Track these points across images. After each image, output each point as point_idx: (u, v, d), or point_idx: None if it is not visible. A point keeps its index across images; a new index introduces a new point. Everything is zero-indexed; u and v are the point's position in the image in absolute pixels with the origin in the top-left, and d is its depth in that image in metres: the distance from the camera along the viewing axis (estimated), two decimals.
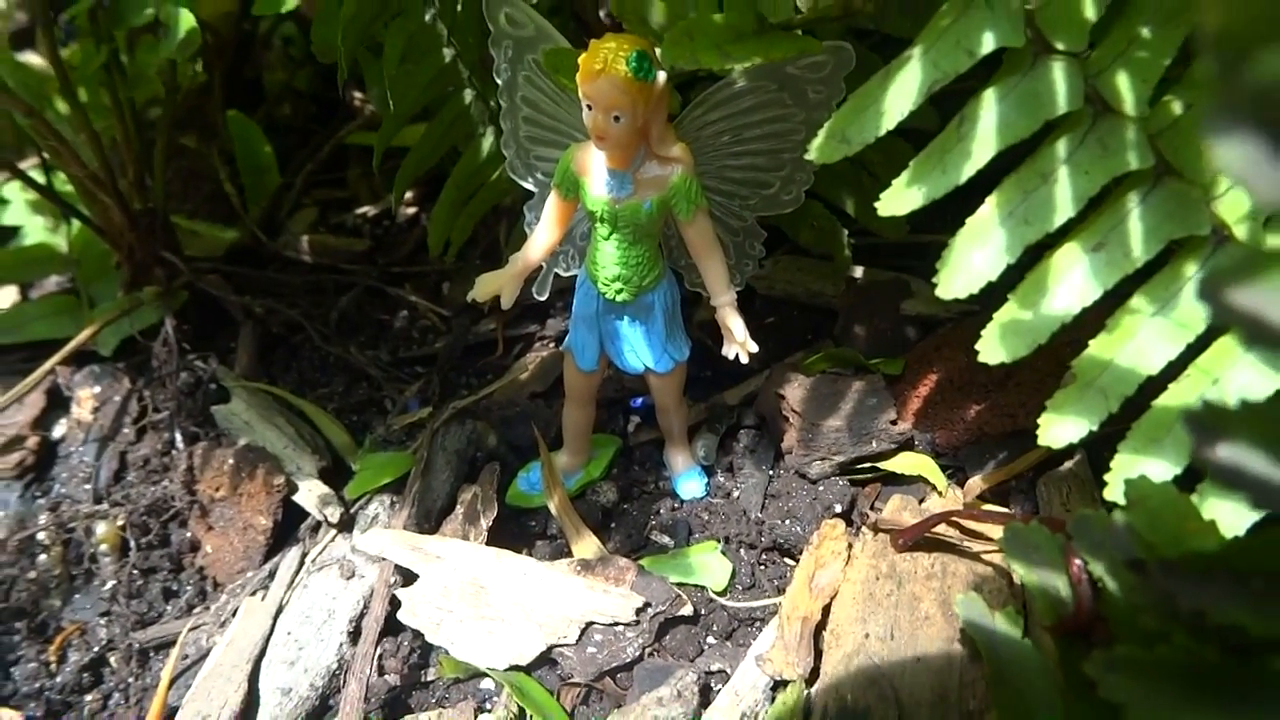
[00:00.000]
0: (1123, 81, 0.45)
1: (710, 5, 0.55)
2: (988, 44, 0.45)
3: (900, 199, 0.47)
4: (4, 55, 0.69)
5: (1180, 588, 0.31)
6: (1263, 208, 0.33)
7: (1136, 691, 0.34)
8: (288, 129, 1.00)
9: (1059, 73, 0.45)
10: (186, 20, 0.73)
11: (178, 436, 0.75)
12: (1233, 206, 0.44)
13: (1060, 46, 0.45)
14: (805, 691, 0.54)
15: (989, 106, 0.46)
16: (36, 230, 0.93)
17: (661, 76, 0.51)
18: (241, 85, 1.00)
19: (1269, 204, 0.19)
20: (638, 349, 0.62)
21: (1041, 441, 0.47)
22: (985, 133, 0.45)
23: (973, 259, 0.45)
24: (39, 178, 0.80)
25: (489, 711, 0.57)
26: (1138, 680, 0.34)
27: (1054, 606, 0.45)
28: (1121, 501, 0.42)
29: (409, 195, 0.93)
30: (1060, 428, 0.46)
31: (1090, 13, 0.44)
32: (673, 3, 0.54)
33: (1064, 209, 0.45)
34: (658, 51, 0.51)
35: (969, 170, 0.45)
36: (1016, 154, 0.47)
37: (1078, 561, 0.44)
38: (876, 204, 0.47)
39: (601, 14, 0.79)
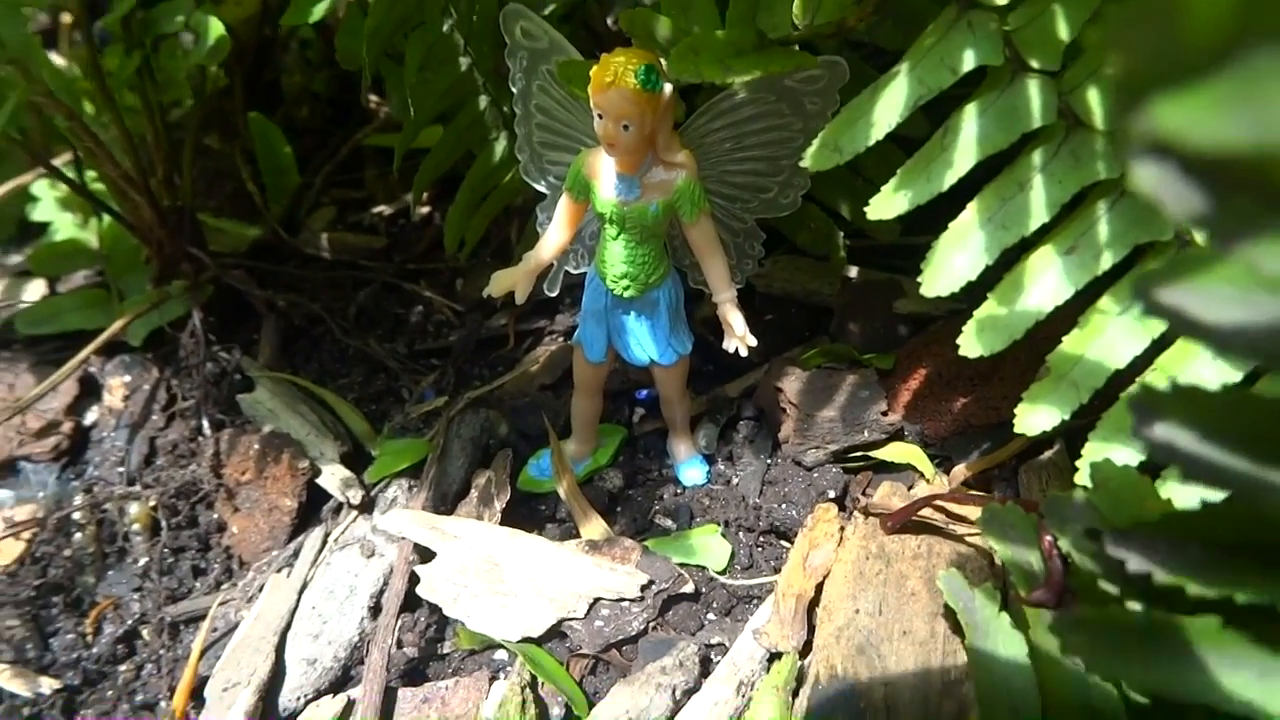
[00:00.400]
0: (1093, 98, 0.48)
1: (713, 22, 0.59)
2: (969, 62, 0.48)
3: (888, 204, 0.51)
4: (43, 60, 0.72)
5: (1129, 554, 0.34)
6: (1176, 221, 0.37)
7: (1094, 649, 0.38)
8: (305, 130, 1.03)
9: (1034, 90, 0.49)
10: (216, 28, 0.77)
11: (205, 423, 0.78)
12: None
13: (1036, 65, 0.49)
14: (799, 662, 0.58)
15: (970, 119, 0.49)
16: (66, 226, 0.97)
17: (668, 88, 0.55)
18: (261, 87, 1.04)
19: (1181, 217, 0.23)
20: (643, 342, 0.65)
21: (1018, 429, 0.51)
22: (966, 144, 0.49)
23: (954, 261, 0.49)
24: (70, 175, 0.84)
25: (503, 680, 0.61)
26: (1095, 639, 0.38)
27: (1028, 580, 0.48)
28: (1089, 484, 0.46)
29: (424, 195, 0.97)
30: (1035, 416, 0.50)
31: (1064, 34, 0.48)
32: (677, 19, 0.58)
33: (1039, 215, 0.49)
34: (664, 64, 0.55)
35: (951, 178, 0.49)
36: (996, 164, 0.50)
37: (1048, 538, 0.48)
38: (866, 208, 0.51)
39: (610, 22, 0.83)
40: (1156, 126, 0.19)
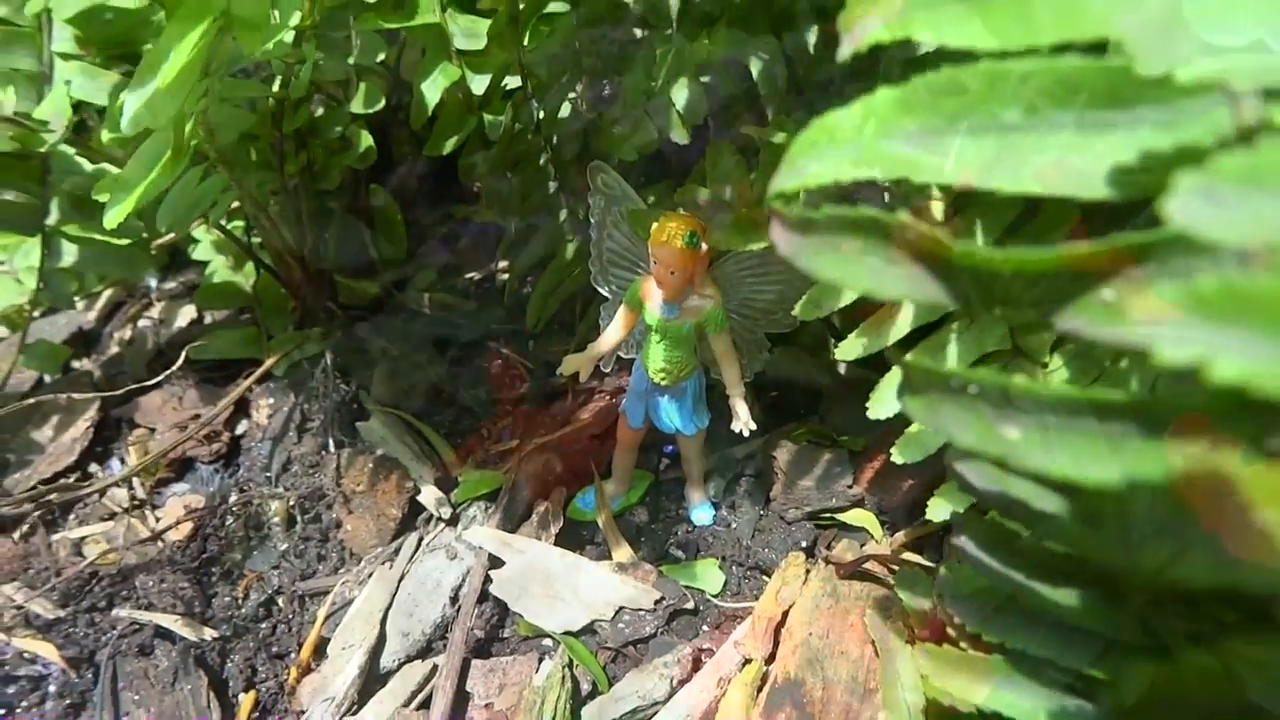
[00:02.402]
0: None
1: (745, 194, 0.81)
2: None
3: (850, 348, 0.72)
4: (247, 163, 0.95)
5: (960, 611, 0.56)
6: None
7: (940, 672, 0.59)
8: (414, 201, 1.27)
9: None
10: (365, 140, 1.00)
11: (330, 442, 1.01)
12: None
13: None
14: (764, 668, 0.78)
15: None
16: (220, 269, 1.20)
17: (704, 246, 0.77)
18: (379, 161, 1.27)
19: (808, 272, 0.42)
20: (673, 417, 0.87)
21: (928, 515, 0.72)
22: (907, 312, 0.70)
23: (892, 395, 0.70)
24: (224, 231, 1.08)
25: (549, 660, 0.83)
26: (943, 664, 0.59)
27: (921, 622, 0.69)
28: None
29: (502, 265, 1.19)
30: (939, 509, 0.71)
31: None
32: (716, 190, 0.80)
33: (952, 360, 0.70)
34: (704, 229, 0.76)
35: (896, 336, 0.70)
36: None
37: (938, 593, 0.68)
38: (835, 350, 0.73)
39: None
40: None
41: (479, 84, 0.94)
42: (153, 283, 1.28)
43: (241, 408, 1.06)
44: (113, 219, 0.66)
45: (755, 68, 0.80)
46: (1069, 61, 0.33)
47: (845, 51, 0.37)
